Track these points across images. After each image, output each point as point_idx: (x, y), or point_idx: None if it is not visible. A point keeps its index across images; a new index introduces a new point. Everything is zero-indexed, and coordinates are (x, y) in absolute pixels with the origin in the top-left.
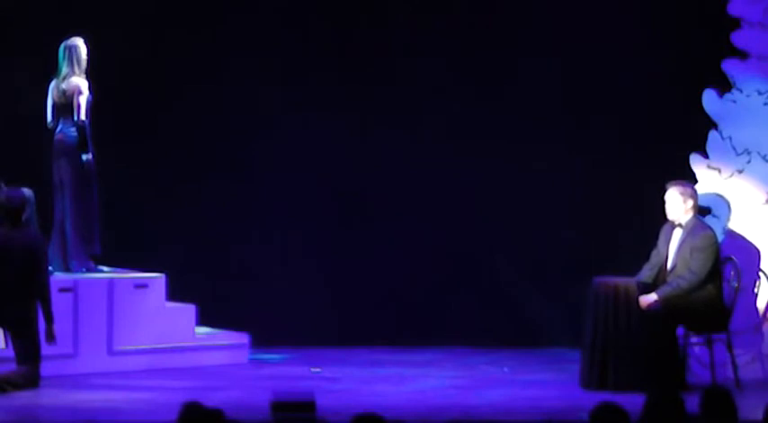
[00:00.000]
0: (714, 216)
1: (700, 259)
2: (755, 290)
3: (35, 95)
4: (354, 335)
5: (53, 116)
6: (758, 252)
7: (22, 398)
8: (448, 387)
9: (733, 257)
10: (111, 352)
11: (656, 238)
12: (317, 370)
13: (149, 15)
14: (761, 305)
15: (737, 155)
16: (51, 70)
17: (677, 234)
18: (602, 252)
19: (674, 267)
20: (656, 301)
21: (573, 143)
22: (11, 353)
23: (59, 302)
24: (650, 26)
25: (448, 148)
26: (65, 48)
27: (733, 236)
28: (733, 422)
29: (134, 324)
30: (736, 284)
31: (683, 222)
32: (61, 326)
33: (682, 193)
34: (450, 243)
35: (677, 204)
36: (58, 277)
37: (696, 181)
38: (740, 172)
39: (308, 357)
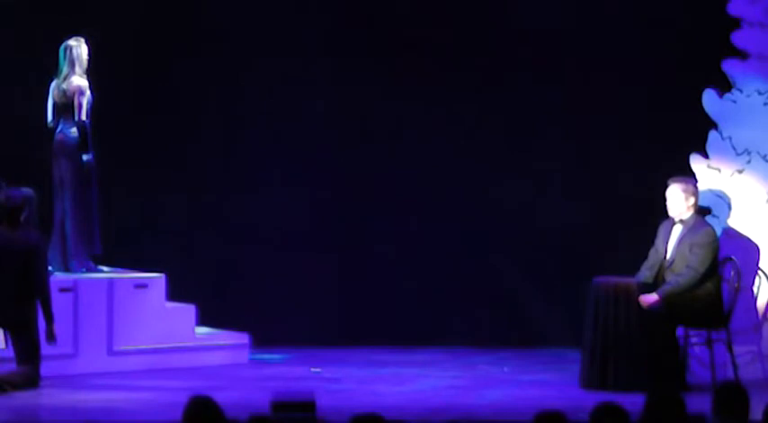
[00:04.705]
0: (714, 216)
1: (699, 255)
2: (755, 290)
3: (35, 95)
4: (354, 335)
5: (53, 116)
6: (758, 251)
7: (22, 398)
8: (448, 387)
9: (733, 258)
10: (111, 352)
11: (655, 236)
12: (317, 370)
13: (149, 15)
14: (761, 305)
15: (737, 155)
16: (51, 70)
17: (677, 230)
18: (602, 252)
19: (672, 261)
20: (656, 301)
21: (573, 143)
22: (11, 353)
23: (59, 302)
24: (650, 26)
25: (448, 148)
26: (65, 48)
27: (732, 235)
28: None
29: (134, 324)
30: (737, 285)
31: (684, 219)
32: (61, 326)
33: (684, 190)
34: (451, 243)
35: (679, 201)
36: (58, 277)
37: (696, 181)
38: (740, 172)
39: (308, 357)
